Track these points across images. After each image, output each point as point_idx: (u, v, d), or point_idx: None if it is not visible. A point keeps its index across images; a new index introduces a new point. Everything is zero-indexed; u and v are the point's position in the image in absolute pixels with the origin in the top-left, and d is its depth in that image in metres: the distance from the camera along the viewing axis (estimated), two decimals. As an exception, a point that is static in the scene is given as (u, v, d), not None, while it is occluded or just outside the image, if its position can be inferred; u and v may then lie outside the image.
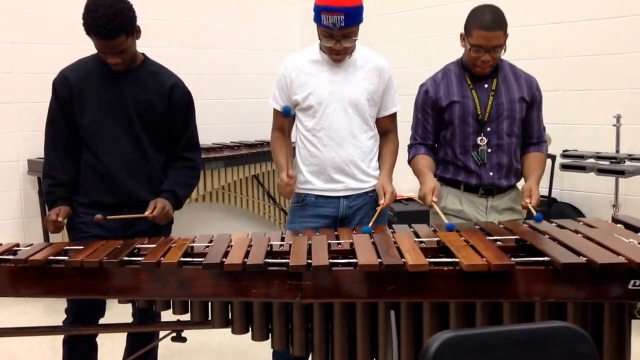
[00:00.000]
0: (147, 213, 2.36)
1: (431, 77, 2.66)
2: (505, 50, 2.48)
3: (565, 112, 4.01)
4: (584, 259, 1.81)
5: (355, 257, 1.91)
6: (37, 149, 3.99)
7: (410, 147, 2.70)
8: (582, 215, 3.92)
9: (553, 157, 3.94)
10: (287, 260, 1.90)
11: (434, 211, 2.62)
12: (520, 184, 2.62)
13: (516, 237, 2.09)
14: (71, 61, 2.50)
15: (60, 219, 2.35)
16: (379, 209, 2.45)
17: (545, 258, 1.85)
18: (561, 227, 2.21)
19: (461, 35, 2.52)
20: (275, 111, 2.66)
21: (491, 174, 2.57)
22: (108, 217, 2.34)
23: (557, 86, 4.03)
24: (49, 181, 2.44)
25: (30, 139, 4.20)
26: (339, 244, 2.07)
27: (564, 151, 3.89)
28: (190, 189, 2.58)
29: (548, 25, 4.12)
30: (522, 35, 4.10)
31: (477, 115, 2.54)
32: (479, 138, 2.55)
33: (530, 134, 2.67)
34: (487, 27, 2.39)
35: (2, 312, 3.61)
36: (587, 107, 3.97)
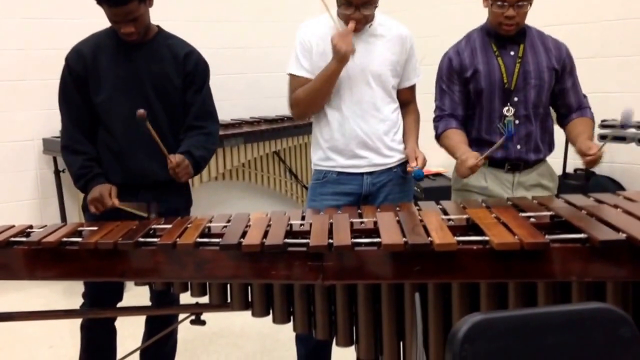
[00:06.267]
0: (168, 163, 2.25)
1: (454, 46, 2.57)
2: (531, 5, 2.37)
3: (604, 80, 3.87)
4: (624, 235, 1.73)
5: (379, 237, 1.84)
6: (52, 127, 3.94)
7: (438, 119, 2.57)
8: (622, 189, 3.82)
9: (591, 127, 3.81)
10: (308, 241, 1.85)
11: (457, 187, 2.55)
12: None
13: (551, 213, 2.00)
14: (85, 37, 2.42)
15: (115, 201, 2.25)
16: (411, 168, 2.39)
17: (583, 235, 1.77)
18: (599, 201, 2.13)
19: None
20: (292, 78, 2.50)
21: (519, 147, 2.47)
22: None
23: (594, 52, 3.89)
24: (82, 157, 2.33)
25: (46, 117, 4.10)
26: (362, 222, 2.00)
27: (602, 121, 3.75)
28: (207, 152, 2.42)
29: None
30: (557, -1, 3.94)
31: (504, 84, 2.44)
32: (505, 108, 2.45)
33: (569, 105, 2.55)
34: None
35: (19, 295, 3.59)
36: (628, 74, 3.83)
